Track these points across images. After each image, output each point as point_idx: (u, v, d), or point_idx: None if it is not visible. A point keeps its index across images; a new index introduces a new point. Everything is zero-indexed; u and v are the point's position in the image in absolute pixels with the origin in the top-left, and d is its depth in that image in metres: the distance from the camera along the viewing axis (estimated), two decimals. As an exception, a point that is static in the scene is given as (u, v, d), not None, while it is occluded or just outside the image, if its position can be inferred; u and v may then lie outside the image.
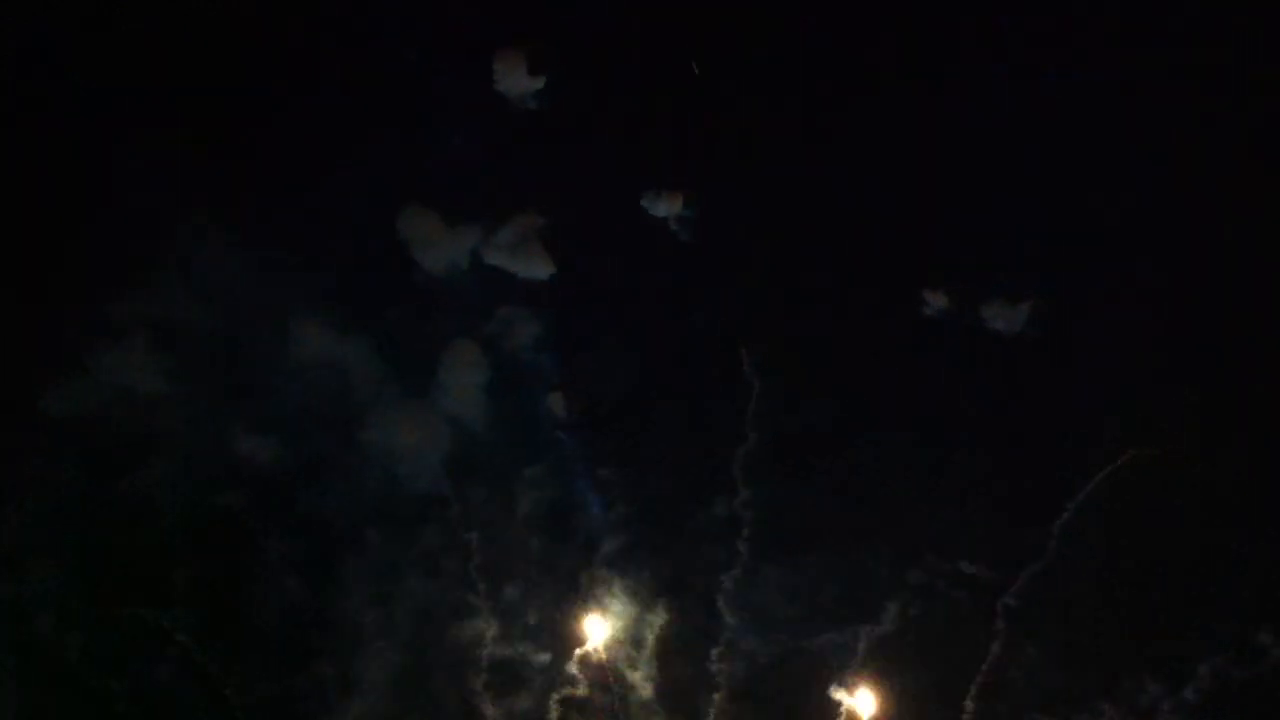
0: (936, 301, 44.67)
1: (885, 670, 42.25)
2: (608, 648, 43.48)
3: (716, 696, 42.94)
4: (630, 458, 44.82)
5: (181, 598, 42.81)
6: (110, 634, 42.22)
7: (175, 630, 42.27)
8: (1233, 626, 41.21)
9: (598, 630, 43.46)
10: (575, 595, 44.06)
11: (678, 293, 45.87)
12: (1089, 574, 41.89)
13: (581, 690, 43.63)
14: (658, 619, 43.69)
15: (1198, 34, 43.63)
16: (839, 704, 42.38)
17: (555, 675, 43.63)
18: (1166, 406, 42.97)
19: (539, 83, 46.37)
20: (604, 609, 43.93)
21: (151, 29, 44.74)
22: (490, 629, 43.93)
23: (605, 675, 43.31)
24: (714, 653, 43.22)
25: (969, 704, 42.23)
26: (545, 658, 43.76)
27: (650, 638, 43.69)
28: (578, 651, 43.49)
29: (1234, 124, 43.51)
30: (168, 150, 43.85)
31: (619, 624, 43.77)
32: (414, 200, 45.95)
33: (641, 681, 43.50)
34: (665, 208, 46.01)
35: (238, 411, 44.09)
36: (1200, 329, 43.28)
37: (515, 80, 46.16)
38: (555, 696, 43.48)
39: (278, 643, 43.36)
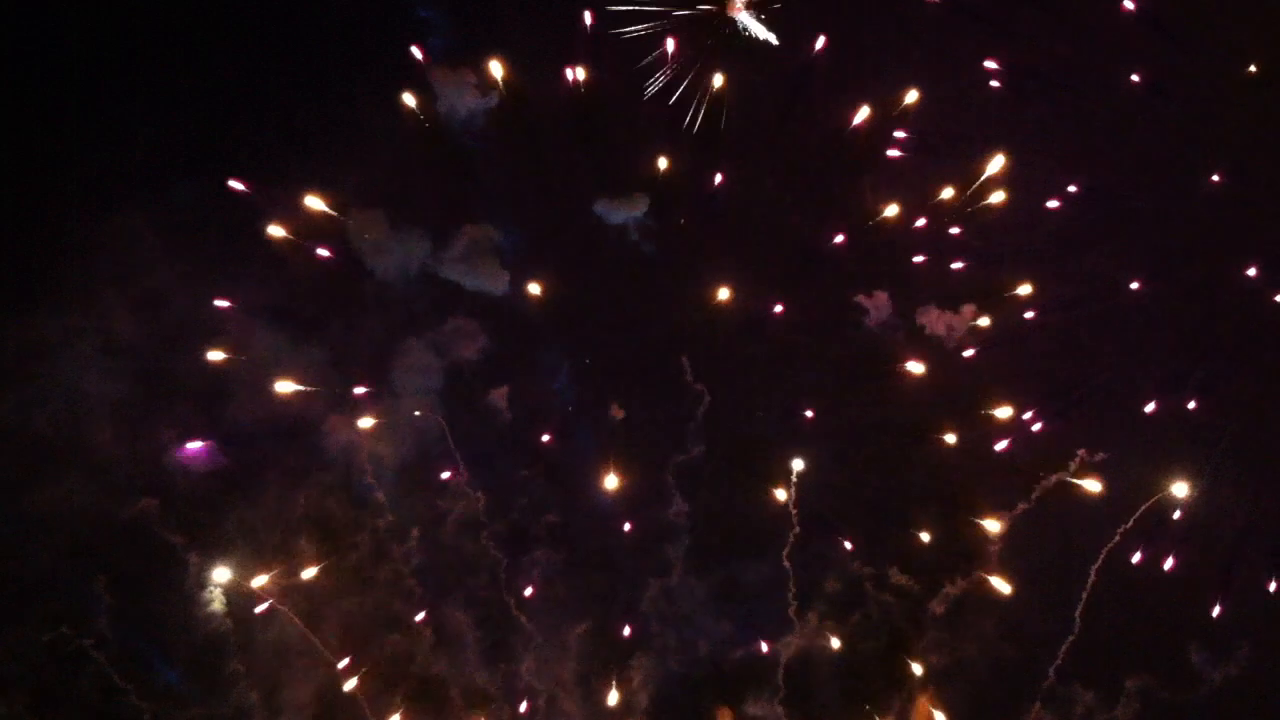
0: (876, 307, 45.23)
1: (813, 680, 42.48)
2: (536, 661, 43.51)
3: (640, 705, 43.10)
4: (570, 468, 45.01)
5: (102, 617, 41.39)
6: (23, 654, 40.69)
7: (93, 652, 40.99)
8: (1166, 645, 41.71)
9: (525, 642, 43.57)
10: (509, 607, 43.82)
11: (626, 300, 46.16)
12: (1024, 582, 42.35)
13: (507, 708, 43.42)
14: (582, 628, 43.83)
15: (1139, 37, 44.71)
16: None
17: (482, 688, 43.30)
18: (1112, 412, 43.96)
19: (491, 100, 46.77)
20: (533, 620, 43.83)
21: (97, 33, 44.52)
22: (421, 644, 43.29)
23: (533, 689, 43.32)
24: (636, 663, 43.46)
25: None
26: (476, 671, 43.38)
27: (575, 648, 43.90)
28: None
29: (1178, 127, 44.53)
30: (108, 155, 43.19)
31: (547, 635, 43.84)
32: (364, 208, 45.58)
33: (565, 694, 43.20)
34: (620, 214, 46.15)
35: (172, 421, 42.89)
36: (1147, 333, 44.50)
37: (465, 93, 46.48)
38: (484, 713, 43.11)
39: (201, 665, 42.07)
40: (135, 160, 43.40)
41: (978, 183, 44.32)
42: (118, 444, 42.19)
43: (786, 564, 43.07)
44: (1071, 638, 41.61)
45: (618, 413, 45.33)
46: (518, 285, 45.86)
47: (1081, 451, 42.96)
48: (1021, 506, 42.93)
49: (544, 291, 45.84)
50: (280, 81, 44.96)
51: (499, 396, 45.30)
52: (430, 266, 45.54)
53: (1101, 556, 41.54)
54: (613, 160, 46.18)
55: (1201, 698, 42.05)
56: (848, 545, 44.34)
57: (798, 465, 43.59)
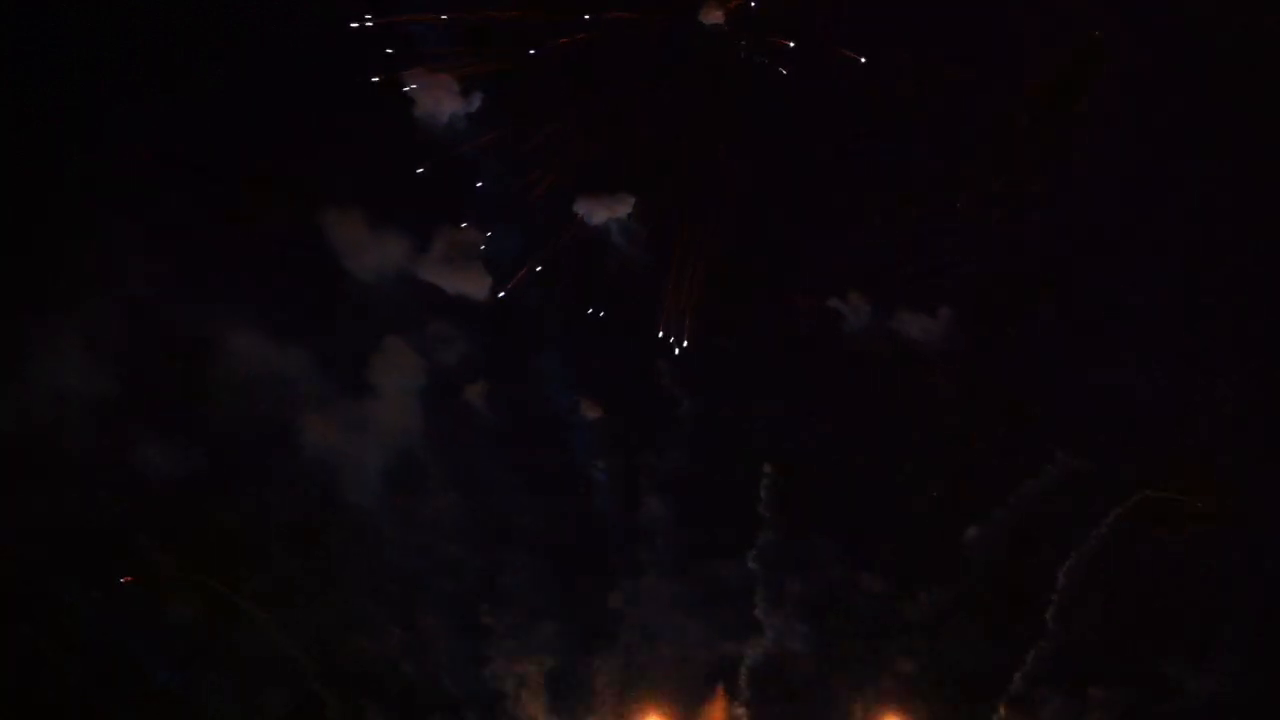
0: (854, 309, 44.97)
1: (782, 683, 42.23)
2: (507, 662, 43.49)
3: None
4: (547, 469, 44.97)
5: (76, 622, 41.40)
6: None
7: (67, 657, 40.90)
8: (1140, 654, 41.43)
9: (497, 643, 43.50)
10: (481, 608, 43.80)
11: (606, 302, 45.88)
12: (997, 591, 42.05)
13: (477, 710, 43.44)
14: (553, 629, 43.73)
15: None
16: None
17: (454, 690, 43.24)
18: (1091, 416, 43.65)
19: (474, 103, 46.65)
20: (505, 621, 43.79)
21: (79, 31, 44.29)
22: (395, 647, 43.42)
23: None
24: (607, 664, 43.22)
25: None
26: (447, 672, 43.34)
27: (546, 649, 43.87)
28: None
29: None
30: (90, 154, 43.01)
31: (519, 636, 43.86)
32: (344, 210, 45.28)
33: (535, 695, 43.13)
34: (602, 214, 45.91)
35: (147, 423, 42.78)
36: (1125, 330, 44.21)
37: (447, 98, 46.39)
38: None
39: (175, 670, 42.12)
40: (117, 160, 43.30)
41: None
42: (96, 445, 42.00)
43: (757, 566, 43.07)
44: (1043, 643, 41.46)
45: (592, 412, 45.19)
46: (499, 289, 45.75)
47: (1059, 454, 43.00)
48: (998, 511, 42.97)
49: (526, 295, 45.88)
50: (261, 81, 44.90)
51: (478, 397, 45.25)
52: (409, 270, 45.43)
53: (1070, 560, 41.48)
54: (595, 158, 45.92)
55: (1175, 709, 41.85)
56: (820, 548, 44.27)
57: (769, 468, 43.56)
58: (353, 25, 44.70)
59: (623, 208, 45.90)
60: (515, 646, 43.97)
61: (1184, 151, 43.81)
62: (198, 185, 43.88)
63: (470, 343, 45.44)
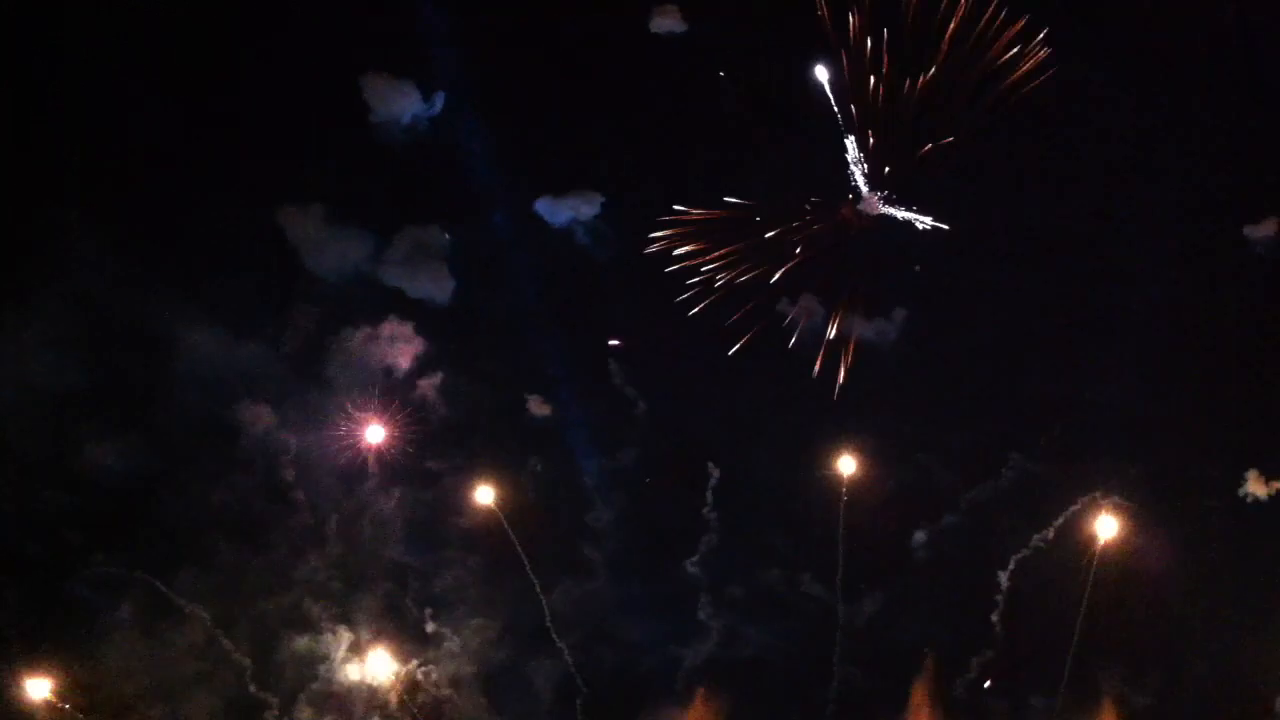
0: (808, 313, 44.47)
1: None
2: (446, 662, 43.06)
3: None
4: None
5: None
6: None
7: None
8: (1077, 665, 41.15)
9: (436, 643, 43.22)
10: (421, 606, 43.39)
11: (561, 301, 45.92)
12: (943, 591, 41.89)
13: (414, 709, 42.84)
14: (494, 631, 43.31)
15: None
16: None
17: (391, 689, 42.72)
18: (1042, 418, 43.51)
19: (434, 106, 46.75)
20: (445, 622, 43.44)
21: (33, 28, 44.41)
22: (333, 646, 42.93)
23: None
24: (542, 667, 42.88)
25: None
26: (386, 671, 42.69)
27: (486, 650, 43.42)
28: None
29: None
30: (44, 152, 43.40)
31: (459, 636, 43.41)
32: (307, 209, 45.29)
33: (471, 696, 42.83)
34: (565, 214, 45.93)
35: (95, 419, 42.62)
36: (1083, 339, 44.16)
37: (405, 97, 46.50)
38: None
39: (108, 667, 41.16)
40: (75, 156, 43.55)
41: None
42: (43, 440, 42.04)
43: (701, 570, 42.97)
44: (990, 652, 41.28)
45: (543, 408, 45.01)
46: (462, 290, 45.68)
47: (1015, 455, 42.92)
48: (948, 518, 42.85)
49: (486, 296, 45.77)
50: (227, 79, 45.01)
51: (429, 393, 44.94)
52: (369, 270, 45.41)
53: (1011, 565, 41.39)
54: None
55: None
56: (767, 552, 43.91)
57: (715, 471, 43.57)
58: (321, 26, 45.27)
59: (588, 208, 46.12)
60: (456, 648, 43.35)
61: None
62: (160, 181, 44.16)
63: (428, 341, 45.34)
